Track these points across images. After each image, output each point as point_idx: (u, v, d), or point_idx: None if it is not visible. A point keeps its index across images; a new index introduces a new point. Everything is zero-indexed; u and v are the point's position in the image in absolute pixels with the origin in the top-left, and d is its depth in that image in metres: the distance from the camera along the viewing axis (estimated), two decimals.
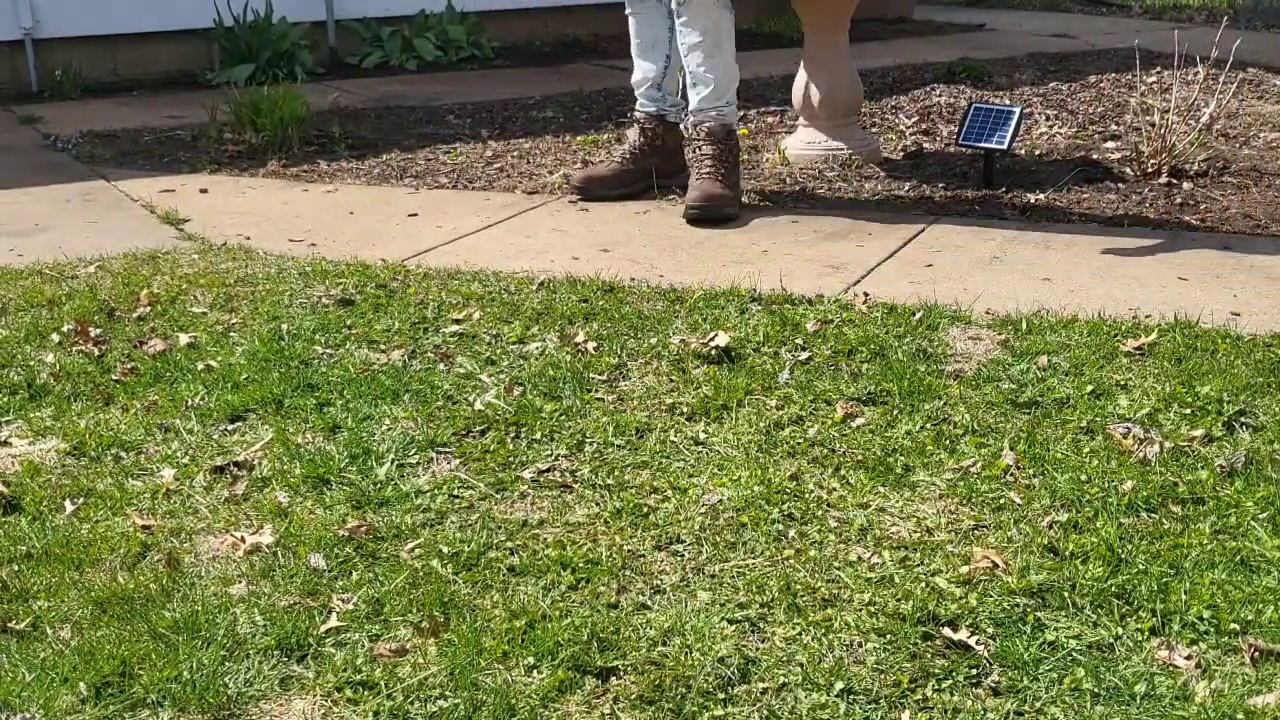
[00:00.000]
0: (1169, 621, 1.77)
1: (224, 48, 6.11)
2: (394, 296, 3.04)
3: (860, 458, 2.23)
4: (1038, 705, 1.62)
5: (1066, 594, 1.83)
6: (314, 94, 5.44)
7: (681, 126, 3.86)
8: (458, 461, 2.27)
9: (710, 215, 3.60)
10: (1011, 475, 2.17)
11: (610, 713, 1.64)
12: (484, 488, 2.18)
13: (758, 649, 1.74)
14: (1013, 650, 1.72)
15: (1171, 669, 1.68)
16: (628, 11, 3.88)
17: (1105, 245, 3.36)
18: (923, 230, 3.52)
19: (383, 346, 2.75)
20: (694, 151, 3.77)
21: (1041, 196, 3.81)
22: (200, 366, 2.66)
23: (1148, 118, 4.28)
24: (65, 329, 2.86)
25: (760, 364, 2.61)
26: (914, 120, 4.93)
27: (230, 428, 2.42)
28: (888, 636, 1.76)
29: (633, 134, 3.96)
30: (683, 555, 1.97)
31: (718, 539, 2.01)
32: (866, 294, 2.97)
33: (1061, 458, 2.21)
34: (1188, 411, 2.36)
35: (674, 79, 3.87)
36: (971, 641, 1.73)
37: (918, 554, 1.95)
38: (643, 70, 3.88)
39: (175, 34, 6.21)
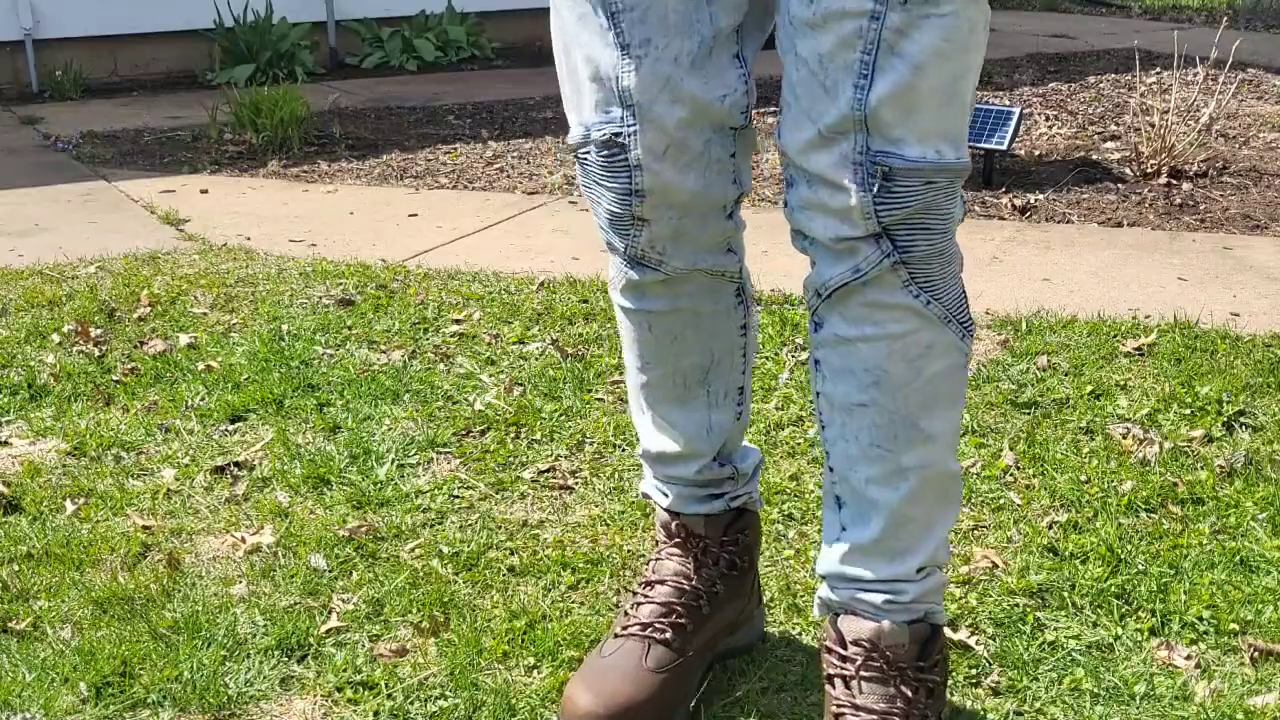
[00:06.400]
0: (1168, 621, 1.77)
1: (224, 48, 6.11)
2: (394, 297, 3.04)
3: None
4: (1037, 705, 1.62)
5: (1066, 594, 1.83)
6: (314, 94, 5.44)
7: (816, 609, 1.56)
8: (458, 461, 2.27)
9: None
10: (1011, 475, 2.17)
11: None
12: (484, 488, 2.18)
13: (757, 648, 1.74)
14: (1012, 650, 1.72)
15: (1171, 669, 1.68)
16: (627, 304, 1.59)
17: (1105, 245, 3.36)
18: None
19: (383, 347, 2.76)
20: (845, 690, 1.49)
21: (1041, 196, 3.81)
22: (200, 367, 2.67)
23: (1147, 118, 4.28)
24: (66, 329, 2.86)
25: (760, 364, 2.61)
26: None
27: (230, 428, 2.42)
28: None
29: (669, 564, 1.66)
30: None
31: None
32: None
33: (1061, 458, 2.21)
34: (1187, 411, 2.36)
35: (740, 437, 1.68)
36: (971, 641, 1.73)
37: None
38: (682, 435, 1.63)
39: (175, 34, 6.22)
